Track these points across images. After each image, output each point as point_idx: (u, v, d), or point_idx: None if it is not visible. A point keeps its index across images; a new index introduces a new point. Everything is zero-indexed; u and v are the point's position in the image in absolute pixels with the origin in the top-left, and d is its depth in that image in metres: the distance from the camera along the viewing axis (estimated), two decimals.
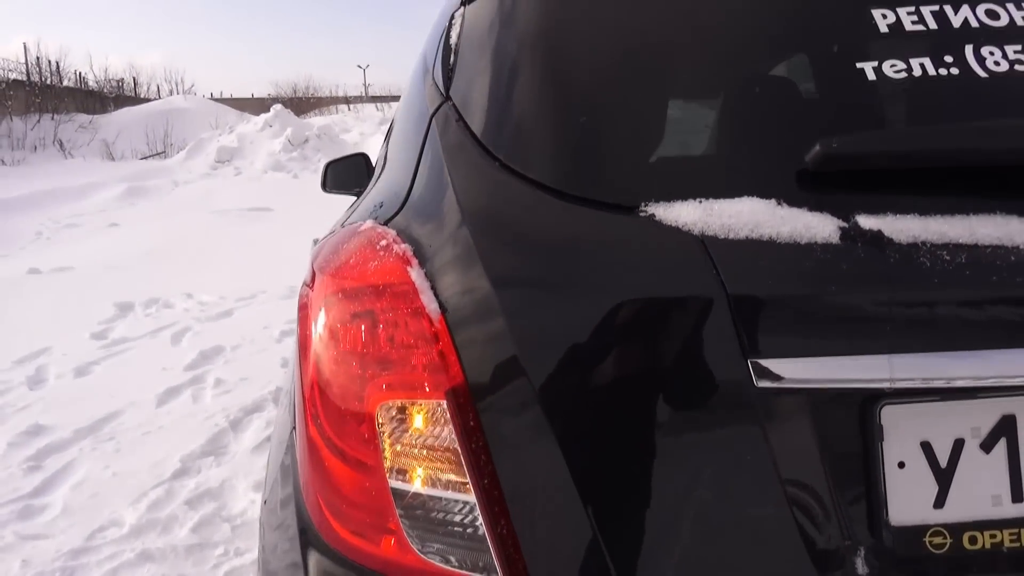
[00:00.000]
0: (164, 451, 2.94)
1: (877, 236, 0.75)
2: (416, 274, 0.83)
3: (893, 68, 0.89)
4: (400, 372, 0.80)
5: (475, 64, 1.04)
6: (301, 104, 27.94)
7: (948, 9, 0.94)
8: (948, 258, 0.73)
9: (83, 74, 23.95)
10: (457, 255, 0.83)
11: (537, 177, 0.86)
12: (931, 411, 0.75)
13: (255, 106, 26.76)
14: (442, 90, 1.07)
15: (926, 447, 0.75)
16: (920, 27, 0.92)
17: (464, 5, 1.15)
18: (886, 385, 0.72)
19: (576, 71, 0.95)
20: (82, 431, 3.14)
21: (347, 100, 29.36)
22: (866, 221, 0.77)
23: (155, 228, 8.82)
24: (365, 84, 44.05)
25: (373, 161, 2.87)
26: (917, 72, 0.88)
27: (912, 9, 0.93)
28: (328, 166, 2.81)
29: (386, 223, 0.93)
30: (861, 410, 0.75)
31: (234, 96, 32.93)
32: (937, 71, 0.88)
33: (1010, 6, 0.94)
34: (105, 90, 24.48)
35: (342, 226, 1.06)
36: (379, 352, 0.81)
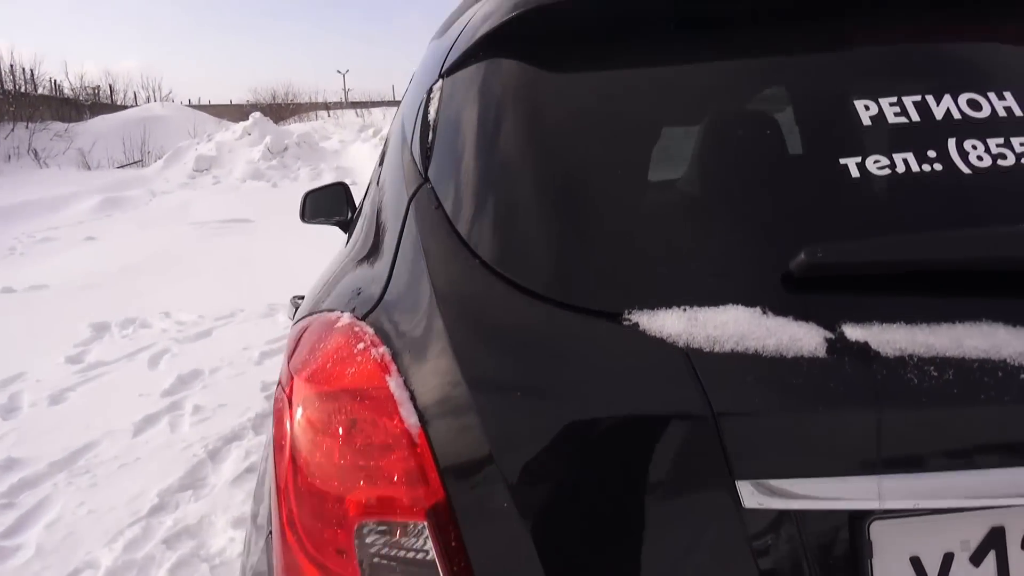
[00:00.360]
0: (141, 485, 2.89)
1: (864, 349, 0.74)
2: (395, 384, 0.81)
3: (877, 164, 0.88)
4: (379, 487, 0.78)
5: (453, 146, 1.01)
6: (280, 110, 27.74)
7: (930, 100, 0.93)
8: (935, 374, 0.72)
9: (58, 81, 23.66)
10: (437, 362, 0.81)
11: (519, 280, 0.84)
12: (921, 526, 0.74)
13: (234, 113, 26.55)
14: (420, 169, 1.04)
15: (915, 562, 0.74)
16: (903, 119, 0.92)
17: (442, 78, 1.12)
18: (875, 506, 0.71)
19: (561, 169, 0.93)
20: (57, 464, 3.08)
21: (327, 106, 29.19)
22: (852, 332, 0.75)
23: (132, 241, 8.73)
24: (345, 89, 43.88)
25: (353, 189, 2.84)
26: (901, 168, 0.88)
27: (894, 100, 0.93)
28: (307, 196, 2.77)
29: (364, 317, 0.91)
30: (850, 526, 0.74)
31: (212, 103, 32.68)
32: (921, 167, 0.88)
33: (991, 95, 0.94)
34: (81, 97, 24.16)
35: (319, 308, 1.03)
36: (357, 465, 0.79)
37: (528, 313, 0.82)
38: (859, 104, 0.93)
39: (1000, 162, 0.89)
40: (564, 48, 1.01)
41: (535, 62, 1.00)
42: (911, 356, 0.74)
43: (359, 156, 16.11)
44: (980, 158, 0.89)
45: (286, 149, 16.31)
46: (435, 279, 0.87)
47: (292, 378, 0.88)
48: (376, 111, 24.19)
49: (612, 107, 0.96)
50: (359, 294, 0.96)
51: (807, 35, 1.03)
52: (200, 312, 5.51)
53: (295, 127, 20.60)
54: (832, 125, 0.93)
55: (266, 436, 1.03)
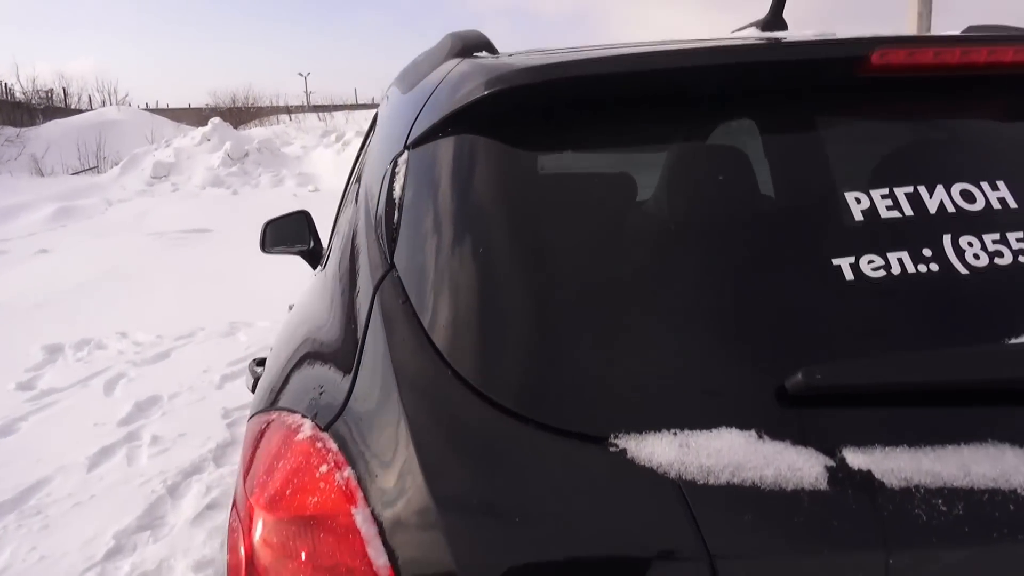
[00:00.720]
0: (96, 526, 2.77)
1: (867, 480, 0.70)
2: (361, 517, 0.74)
3: (871, 265, 0.85)
4: None
5: (421, 229, 0.95)
6: (241, 114, 27.33)
7: (923, 192, 0.90)
8: (944, 508, 0.69)
9: (9, 85, 23.02)
10: (406, 489, 0.74)
11: (496, 397, 0.78)
12: None
13: (193, 117, 26.08)
14: (386, 252, 0.98)
15: None
16: (896, 214, 0.89)
17: (408, 149, 1.05)
18: None
19: (542, 269, 0.87)
20: (6, 505, 2.95)
21: (288, 110, 28.81)
22: (854, 458, 0.71)
23: (88, 254, 8.48)
24: (307, 92, 43.40)
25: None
26: (896, 269, 0.85)
27: (886, 192, 0.90)
28: (267, 225, 2.68)
29: (327, 427, 0.84)
30: None
31: (171, 106, 32.08)
32: (916, 267, 0.85)
33: (984, 186, 0.91)
34: (33, 101, 23.56)
35: (277, 403, 0.96)
36: None
37: (506, 434, 0.76)
38: (850, 197, 0.90)
39: (997, 260, 0.86)
40: (542, 128, 0.95)
41: (512, 142, 0.95)
42: (917, 488, 0.70)
43: (321, 162, 15.91)
44: (976, 256, 0.86)
45: (247, 155, 16.04)
46: (403, 391, 0.81)
47: (248, 501, 0.81)
48: (339, 115, 23.92)
49: (596, 197, 0.92)
50: (321, 393, 0.90)
51: (791, 119, 0.99)
52: (158, 331, 5.36)
53: (256, 132, 20.28)
54: (823, 222, 0.90)
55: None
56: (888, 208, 0.89)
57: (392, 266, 0.95)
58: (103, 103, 27.25)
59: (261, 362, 1.72)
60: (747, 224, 0.91)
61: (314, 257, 2.67)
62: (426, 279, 0.90)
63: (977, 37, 1.01)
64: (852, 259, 0.85)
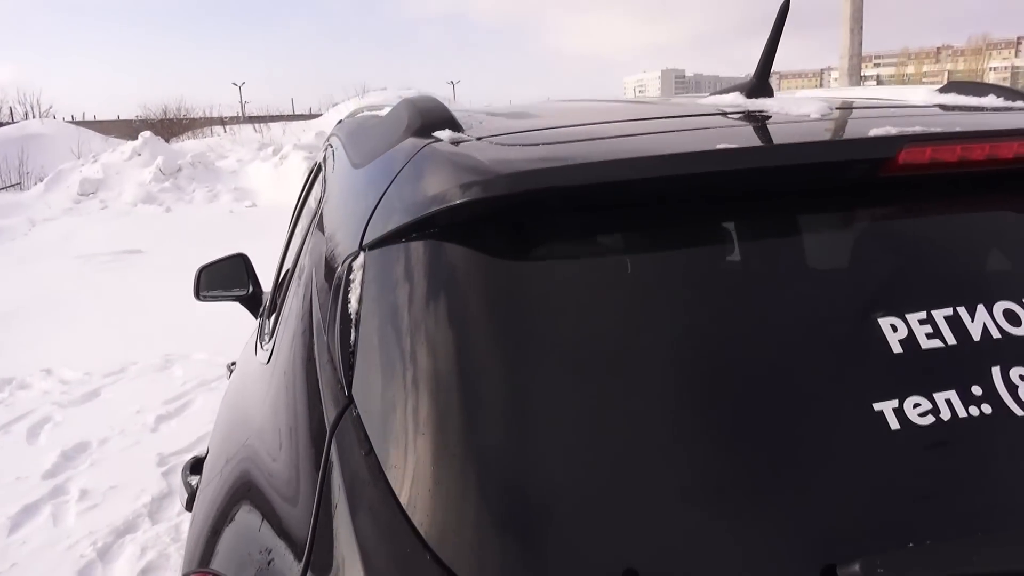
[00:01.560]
0: None
1: None
2: None
3: (917, 410, 0.76)
4: None
5: (385, 355, 0.82)
6: (173, 126, 26.53)
7: (963, 314, 0.82)
8: None
9: None
10: None
11: None
12: None
13: (122, 129, 25.21)
14: (343, 382, 0.84)
15: None
16: (937, 343, 0.80)
17: (364, 251, 0.92)
18: None
19: (541, 413, 0.75)
20: None
21: (223, 121, 28.07)
22: None
23: (9, 281, 8.03)
24: (242, 103, 42.52)
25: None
26: (945, 414, 0.76)
27: (924, 316, 0.81)
28: (201, 271, 2.50)
29: None
30: None
31: (98, 118, 30.99)
32: (967, 410, 0.76)
33: None
34: None
35: (212, 566, 0.82)
36: None
37: None
38: (885, 324, 0.81)
39: None
40: (525, 237, 0.84)
41: (490, 253, 0.83)
42: None
43: (258, 176, 15.49)
44: None
45: (180, 170, 15.53)
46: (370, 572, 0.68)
47: None
48: (275, 126, 23.39)
49: (602, 322, 0.80)
50: (270, 563, 0.77)
51: (810, 227, 0.90)
52: (87, 368, 5.07)
53: (189, 145, 19.71)
54: (860, 356, 0.80)
55: None
56: (928, 336, 0.80)
57: (351, 401, 0.82)
58: (26, 115, 26.13)
59: (197, 467, 1.55)
60: (770, 362, 0.80)
61: (254, 302, 2.50)
62: (393, 423, 0.77)
63: (1008, 131, 0.94)
64: (895, 403, 0.76)
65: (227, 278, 2.53)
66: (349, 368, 0.84)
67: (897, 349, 0.79)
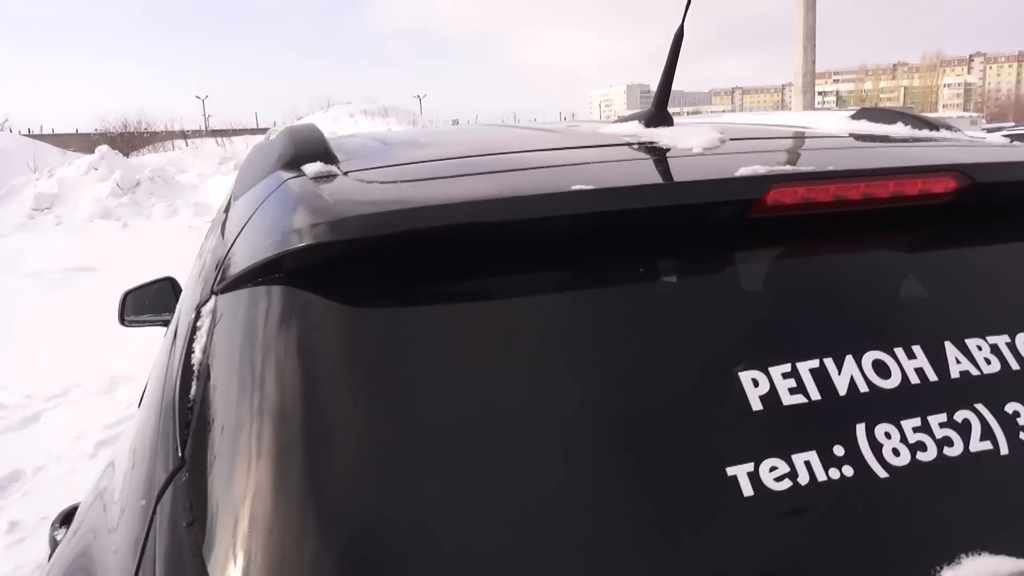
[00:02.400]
0: None
1: None
2: None
3: (774, 474, 0.71)
4: None
5: (222, 413, 0.74)
6: (133, 140, 26.11)
7: (830, 366, 0.78)
8: None
9: None
10: None
11: None
12: None
13: (81, 142, 24.73)
14: (177, 440, 0.76)
15: None
16: (800, 399, 0.76)
17: (215, 295, 0.85)
18: None
19: (401, 493, 0.67)
20: None
21: (184, 135, 27.69)
22: None
23: None
24: (205, 116, 42.07)
25: (182, 282, 2.52)
26: (803, 477, 0.71)
27: (788, 368, 0.77)
28: (127, 295, 2.42)
29: None
30: None
31: (56, 132, 30.42)
32: (827, 473, 0.72)
33: (899, 353, 0.81)
34: None
35: None
36: None
37: None
38: (745, 378, 0.76)
39: (920, 456, 0.75)
40: (386, 280, 0.78)
41: (345, 301, 0.76)
42: None
43: (220, 190, 15.27)
44: (896, 452, 0.74)
45: (138, 184, 15.28)
46: None
47: None
48: (238, 140, 23.13)
49: (476, 382, 0.74)
50: None
51: (666, 274, 0.84)
52: (28, 391, 4.89)
53: (149, 159, 19.39)
54: (715, 414, 0.74)
55: None
56: (791, 391, 0.76)
57: (183, 463, 0.74)
58: None
59: (67, 519, 1.46)
60: (619, 419, 0.74)
61: None
62: (224, 493, 0.68)
63: (883, 170, 0.91)
64: (751, 466, 0.71)
65: (155, 302, 2.45)
66: (185, 426, 0.76)
67: (756, 406, 0.74)
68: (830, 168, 0.89)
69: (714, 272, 0.88)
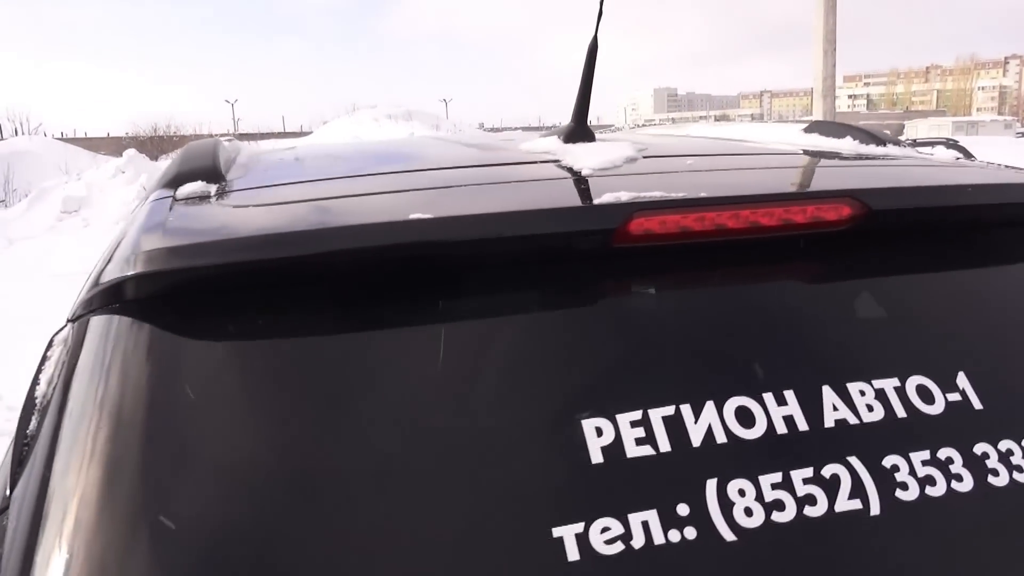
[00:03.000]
0: None
1: None
2: None
3: (605, 536, 0.64)
4: None
5: (50, 451, 0.68)
6: (162, 144, 26.52)
7: (687, 414, 0.70)
8: None
9: None
10: None
11: None
12: None
13: (111, 146, 25.27)
14: (8, 481, 0.71)
15: None
16: (647, 450, 0.68)
17: (70, 323, 0.81)
18: None
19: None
20: None
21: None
22: None
23: None
24: (234, 120, 42.68)
25: None
26: (638, 540, 0.64)
27: (638, 416, 0.70)
28: None
29: None
30: None
31: (88, 135, 31.04)
32: (667, 535, 0.65)
33: (768, 400, 0.73)
34: None
35: None
36: None
37: None
38: (588, 426, 0.69)
39: (776, 516, 0.67)
40: (231, 314, 0.74)
41: (181, 335, 0.73)
42: None
43: None
44: (749, 512, 0.66)
45: None
46: None
47: None
48: (265, 144, 23.43)
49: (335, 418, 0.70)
50: None
51: (518, 310, 0.78)
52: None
53: None
54: (549, 466, 0.68)
55: None
56: (639, 441, 0.68)
57: (6, 507, 0.69)
58: (15, 132, 26.17)
59: None
60: (449, 472, 0.67)
61: None
62: (40, 544, 0.62)
63: (757, 196, 0.84)
64: (580, 526, 0.63)
65: None
66: (18, 464, 0.72)
67: (597, 458, 0.67)
68: (703, 195, 0.83)
69: (566, 307, 0.81)
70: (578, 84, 1.23)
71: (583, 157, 1.10)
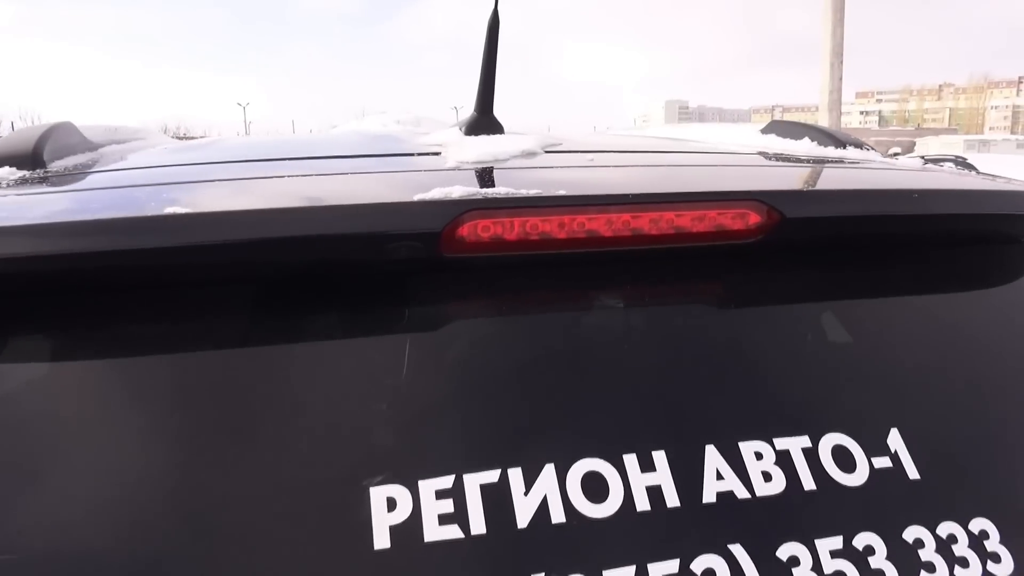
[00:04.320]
0: None
1: None
2: None
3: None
4: None
5: None
6: None
7: (515, 481, 0.57)
8: None
9: None
10: None
11: None
12: None
13: None
14: None
15: None
16: (453, 531, 0.55)
17: None
18: None
19: None
20: None
21: None
22: None
23: None
24: (246, 123, 42.96)
25: None
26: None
27: (447, 484, 0.56)
28: None
29: None
30: None
31: None
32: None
33: (629, 463, 0.59)
34: None
35: None
36: None
37: None
38: (377, 495, 0.55)
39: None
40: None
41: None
42: None
43: None
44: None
45: None
46: None
47: None
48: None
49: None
50: None
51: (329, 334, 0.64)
52: None
53: None
54: (323, 549, 0.55)
55: None
56: (444, 519, 0.54)
57: None
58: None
59: None
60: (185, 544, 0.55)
61: None
62: None
63: (642, 197, 0.66)
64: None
65: None
66: None
67: (382, 543, 0.53)
68: (564, 193, 0.65)
69: (374, 337, 0.65)
70: (480, 69, 1.06)
71: (466, 150, 0.93)
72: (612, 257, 0.66)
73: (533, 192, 0.64)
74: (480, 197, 0.63)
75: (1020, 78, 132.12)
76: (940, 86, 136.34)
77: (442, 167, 0.84)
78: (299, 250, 0.61)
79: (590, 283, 0.68)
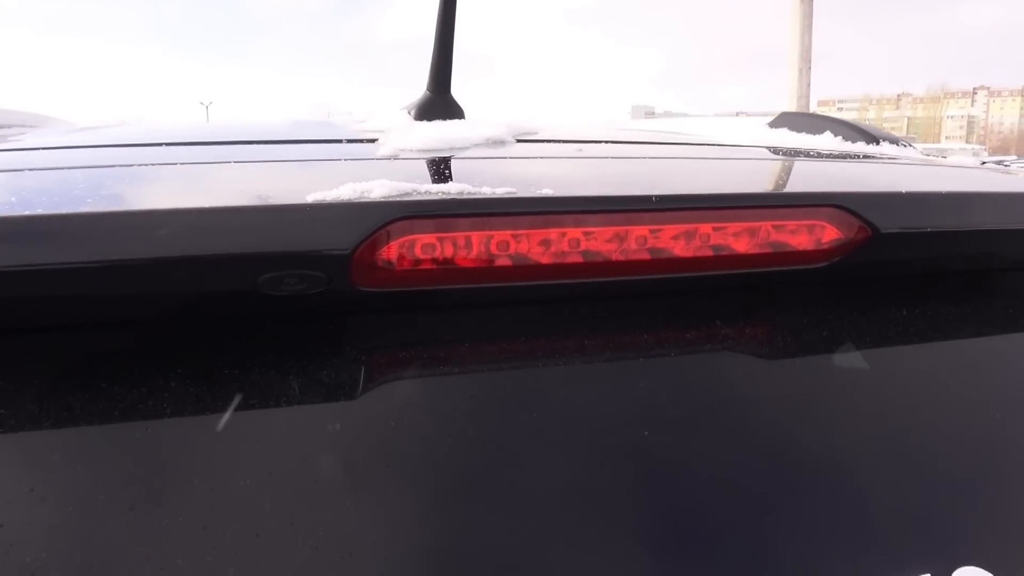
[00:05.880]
0: None
1: None
2: None
3: None
4: None
5: None
6: None
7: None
8: None
9: None
10: None
11: None
12: None
13: None
14: None
15: None
16: None
17: None
18: None
19: None
20: None
21: None
22: None
23: None
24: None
25: None
26: None
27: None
28: None
29: None
30: None
31: None
32: None
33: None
34: None
35: None
36: None
37: None
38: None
39: None
40: None
41: None
42: None
43: None
44: None
45: None
46: None
47: None
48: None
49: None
50: None
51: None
52: None
53: None
54: None
55: None
56: None
57: None
58: None
59: None
60: None
61: None
62: None
63: (664, 199, 0.45)
64: None
65: None
66: None
67: None
68: (544, 193, 0.43)
69: (245, 410, 0.45)
70: (432, 44, 0.84)
71: (411, 136, 0.73)
72: (619, 291, 0.45)
73: (501, 191, 0.42)
74: (416, 199, 0.41)
75: (975, 89, 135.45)
76: (898, 96, 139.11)
77: (371, 156, 0.63)
78: (105, 282, 0.40)
79: (587, 332, 0.47)
